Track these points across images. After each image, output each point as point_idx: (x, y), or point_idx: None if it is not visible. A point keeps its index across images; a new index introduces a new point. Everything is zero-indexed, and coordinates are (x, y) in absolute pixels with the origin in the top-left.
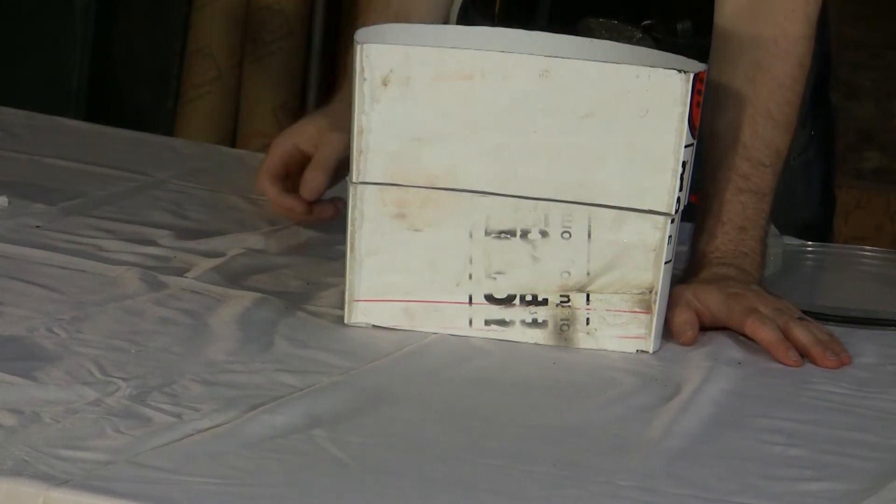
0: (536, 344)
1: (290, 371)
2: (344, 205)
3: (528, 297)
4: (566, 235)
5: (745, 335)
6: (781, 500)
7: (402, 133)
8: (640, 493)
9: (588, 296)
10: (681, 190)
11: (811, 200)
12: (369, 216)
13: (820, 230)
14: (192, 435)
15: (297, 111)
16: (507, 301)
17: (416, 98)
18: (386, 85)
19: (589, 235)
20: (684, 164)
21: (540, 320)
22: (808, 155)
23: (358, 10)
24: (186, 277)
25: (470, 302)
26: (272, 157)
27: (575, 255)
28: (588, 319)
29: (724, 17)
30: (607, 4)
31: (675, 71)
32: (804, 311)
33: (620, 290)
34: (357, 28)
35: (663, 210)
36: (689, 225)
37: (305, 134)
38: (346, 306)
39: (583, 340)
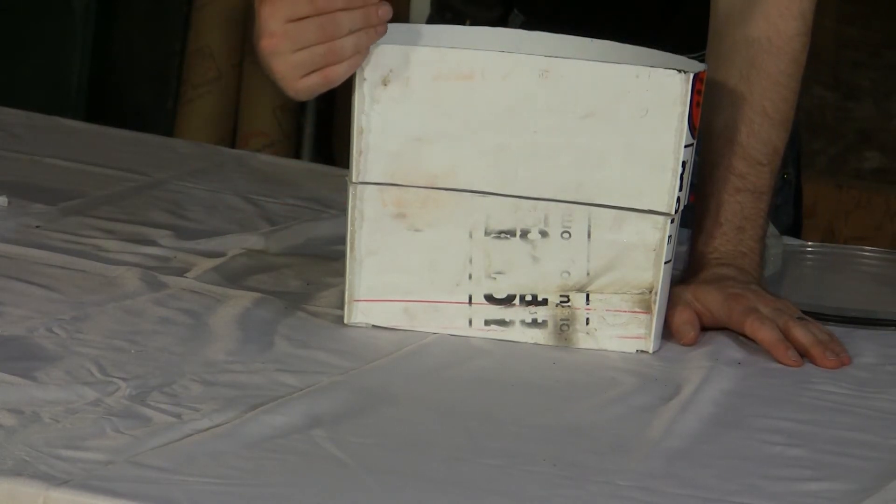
0: (536, 344)
1: (290, 371)
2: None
3: (528, 297)
4: (566, 235)
5: (745, 335)
6: (781, 500)
7: (402, 133)
8: (640, 493)
9: (588, 296)
10: (681, 190)
11: (787, 206)
12: (369, 216)
13: (793, 230)
14: (191, 435)
15: (296, 111)
16: (507, 301)
17: (416, 98)
18: (386, 85)
19: (589, 235)
20: (684, 163)
21: (540, 320)
22: (786, 170)
23: None
24: (186, 277)
25: (470, 302)
26: None
27: (575, 255)
28: (588, 319)
29: (718, 15)
30: (578, 31)
31: (675, 71)
32: (804, 311)
33: (620, 290)
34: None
35: (663, 210)
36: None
37: None
38: (346, 306)
39: (583, 340)
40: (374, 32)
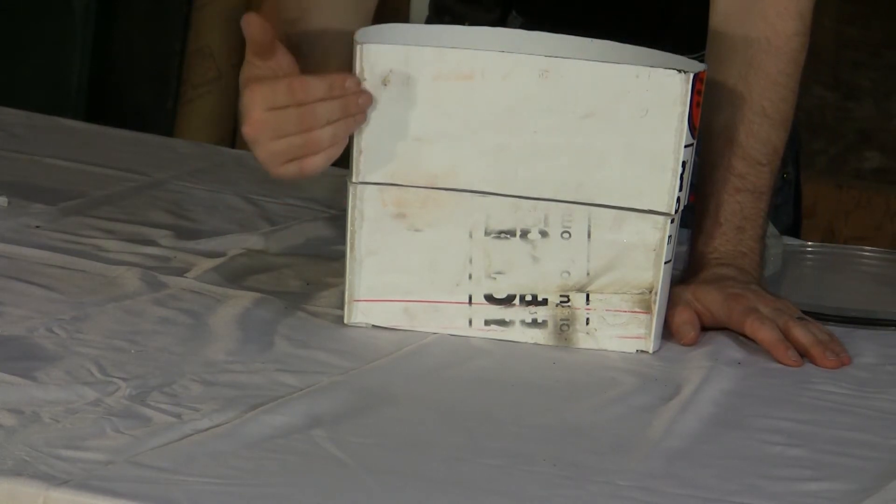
0: (536, 344)
1: (290, 371)
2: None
3: (528, 297)
4: (566, 235)
5: (745, 335)
6: (781, 500)
7: (402, 133)
8: (640, 493)
9: (588, 296)
10: (681, 190)
11: (787, 206)
12: (369, 216)
13: (793, 229)
14: (191, 435)
15: None
16: (507, 301)
17: (416, 98)
18: (386, 85)
19: (589, 235)
20: (684, 163)
21: (540, 320)
22: (786, 170)
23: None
24: (186, 277)
25: (470, 302)
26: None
27: (575, 255)
28: (588, 319)
29: (717, 16)
30: (578, 31)
31: (675, 71)
32: (804, 311)
33: (620, 290)
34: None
35: (663, 210)
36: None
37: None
38: (346, 306)
39: (583, 340)
40: (353, 122)
